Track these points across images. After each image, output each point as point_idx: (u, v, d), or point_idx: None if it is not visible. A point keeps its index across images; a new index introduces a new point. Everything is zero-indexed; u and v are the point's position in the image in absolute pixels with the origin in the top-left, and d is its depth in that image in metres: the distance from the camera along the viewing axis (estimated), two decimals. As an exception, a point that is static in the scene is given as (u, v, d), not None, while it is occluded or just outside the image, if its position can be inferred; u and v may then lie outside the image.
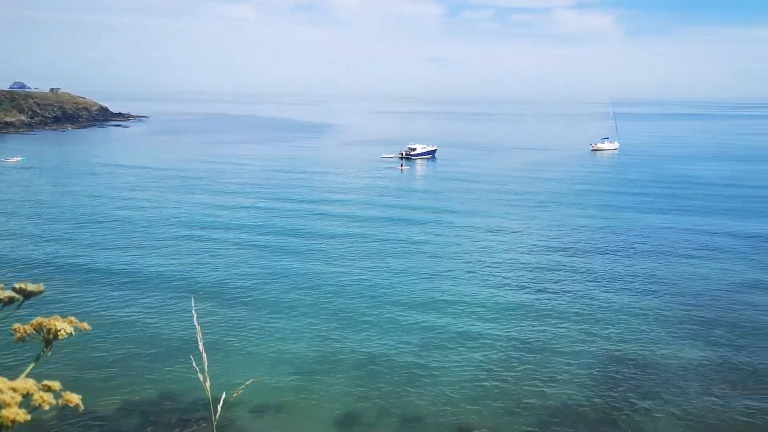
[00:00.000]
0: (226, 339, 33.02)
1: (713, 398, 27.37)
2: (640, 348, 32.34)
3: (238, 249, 50.18)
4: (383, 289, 41.19)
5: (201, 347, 4.21)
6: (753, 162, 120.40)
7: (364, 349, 32.06)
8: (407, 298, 39.62)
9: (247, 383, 26.08)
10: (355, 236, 54.80)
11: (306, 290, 40.84)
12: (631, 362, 30.82)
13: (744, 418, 25.79)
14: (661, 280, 43.32)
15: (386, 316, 36.54)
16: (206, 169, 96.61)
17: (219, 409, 4.28)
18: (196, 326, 4.43)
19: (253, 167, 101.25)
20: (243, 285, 41.66)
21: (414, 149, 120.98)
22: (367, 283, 42.37)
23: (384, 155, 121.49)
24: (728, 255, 49.93)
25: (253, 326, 34.82)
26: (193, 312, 4.89)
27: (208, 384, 4.09)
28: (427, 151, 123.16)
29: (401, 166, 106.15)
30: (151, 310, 36.76)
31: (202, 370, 4.08)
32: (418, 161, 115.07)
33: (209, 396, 4.12)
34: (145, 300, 38.41)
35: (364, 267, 45.99)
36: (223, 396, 4.37)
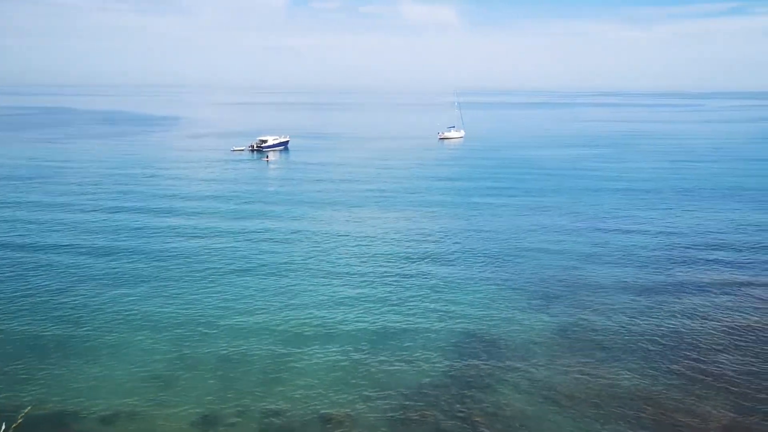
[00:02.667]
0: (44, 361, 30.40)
1: (556, 366, 29.47)
2: (490, 327, 34.04)
3: (58, 270, 43.43)
4: (233, 294, 40.07)
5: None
6: (584, 147, 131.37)
7: (217, 353, 30.92)
8: (260, 302, 38.84)
9: (27, 410, 23.85)
10: (196, 249, 52.88)
11: (141, 316, 38.74)
12: (481, 341, 32.36)
13: (581, 377, 27.98)
14: (506, 261, 45.86)
15: (237, 320, 35.51)
16: (26, 175, 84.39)
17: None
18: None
19: (85, 169, 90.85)
20: (62, 314, 38.64)
21: (265, 141, 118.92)
22: (215, 293, 41.05)
23: (234, 148, 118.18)
24: (566, 234, 53.91)
25: (81, 342, 32.35)
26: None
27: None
28: (279, 143, 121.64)
29: (266, 157, 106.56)
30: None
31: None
32: (271, 153, 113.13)
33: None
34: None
35: (210, 279, 44.48)
36: (2, 427, 3.70)
